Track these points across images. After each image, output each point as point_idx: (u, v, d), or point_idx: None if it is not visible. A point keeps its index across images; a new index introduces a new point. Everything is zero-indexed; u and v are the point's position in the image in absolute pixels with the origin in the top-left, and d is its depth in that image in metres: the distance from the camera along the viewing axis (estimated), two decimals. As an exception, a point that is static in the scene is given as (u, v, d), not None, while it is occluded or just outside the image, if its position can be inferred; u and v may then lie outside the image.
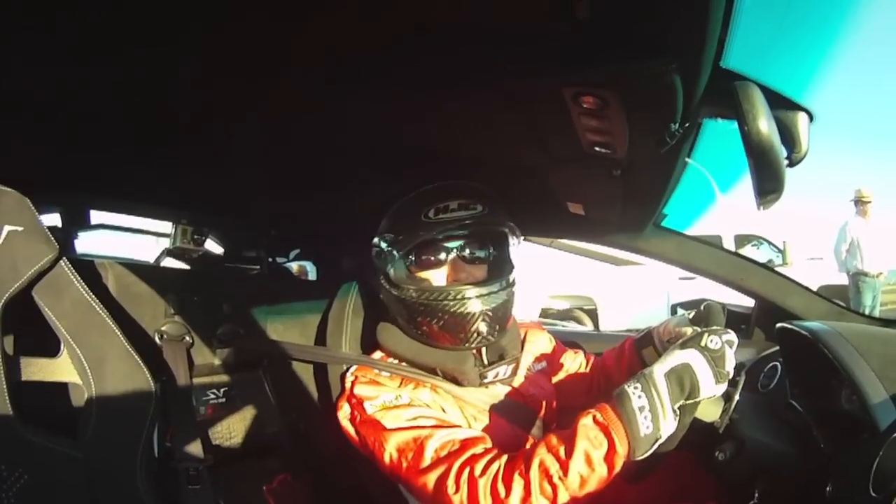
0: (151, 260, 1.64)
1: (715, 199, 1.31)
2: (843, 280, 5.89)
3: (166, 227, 1.61)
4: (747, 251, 6.46)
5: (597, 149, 0.88)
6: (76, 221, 1.41)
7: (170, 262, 1.66)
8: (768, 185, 0.77)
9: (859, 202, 5.77)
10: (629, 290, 5.95)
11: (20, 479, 0.92)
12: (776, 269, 5.86)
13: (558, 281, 6.10)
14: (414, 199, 1.15)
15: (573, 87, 0.70)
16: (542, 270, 5.32)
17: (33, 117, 0.98)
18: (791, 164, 0.80)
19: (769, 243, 6.66)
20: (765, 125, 0.66)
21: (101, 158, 1.17)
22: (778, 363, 1.46)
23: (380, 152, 1.15)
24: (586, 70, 0.66)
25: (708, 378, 0.88)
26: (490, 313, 1.11)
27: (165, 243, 1.63)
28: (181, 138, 1.10)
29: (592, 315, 6.17)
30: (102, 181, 1.30)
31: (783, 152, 0.75)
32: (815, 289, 1.88)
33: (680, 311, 1.90)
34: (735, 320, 1.98)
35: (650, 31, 0.60)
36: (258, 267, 1.65)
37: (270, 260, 1.69)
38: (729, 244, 6.07)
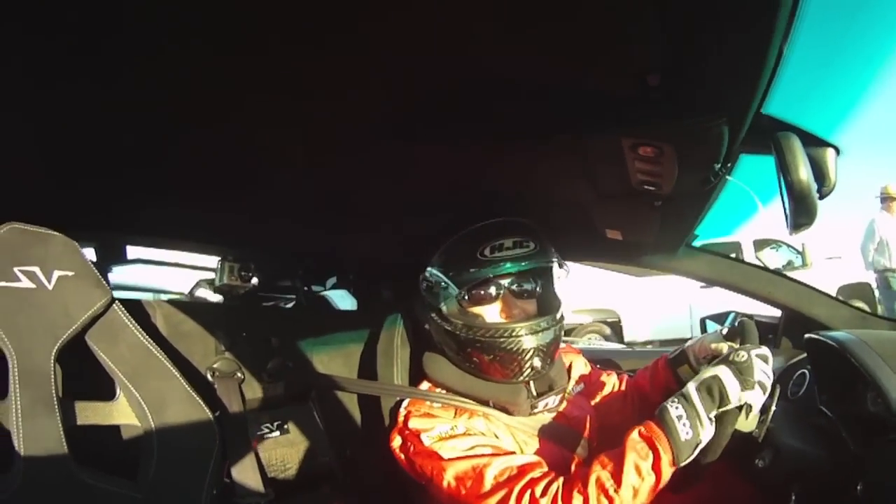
0: (184, 290, 1.73)
1: (756, 210, 1.41)
2: (861, 278, 6.03)
3: (201, 259, 1.70)
4: (766, 254, 6.61)
5: (644, 186, 1.00)
6: (112, 256, 1.48)
7: (203, 293, 1.75)
8: (803, 220, 0.90)
9: (886, 199, 5.89)
10: (651, 301, 6.10)
11: None
12: (796, 270, 5.98)
13: (581, 295, 6.23)
14: (468, 237, 1.23)
15: (632, 140, 0.83)
16: (565, 285, 5.43)
17: (76, 160, 1.04)
18: (821, 197, 0.92)
19: (788, 245, 6.81)
20: (804, 174, 0.79)
21: (139, 198, 1.22)
22: (806, 371, 1.55)
23: (427, 190, 1.25)
24: (647, 127, 0.79)
25: (734, 386, 1.01)
26: (543, 349, 1.21)
27: (199, 275, 1.73)
28: (226, 179, 1.17)
29: (616, 328, 6.30)
30: (139, 219, 1.36)
31: (815, 190, 0.87)
32: (835, 287, 2.00)
33: (710, 325, 2.01)
34: (763, 330, 2.10)
35: (708, 94, 0.72)
36: (294, 297, 1.74)
37: (306, 289, 1.78)
38: (748, 248, 6.21)
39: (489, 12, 0.62)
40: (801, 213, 0.87)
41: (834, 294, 1.91)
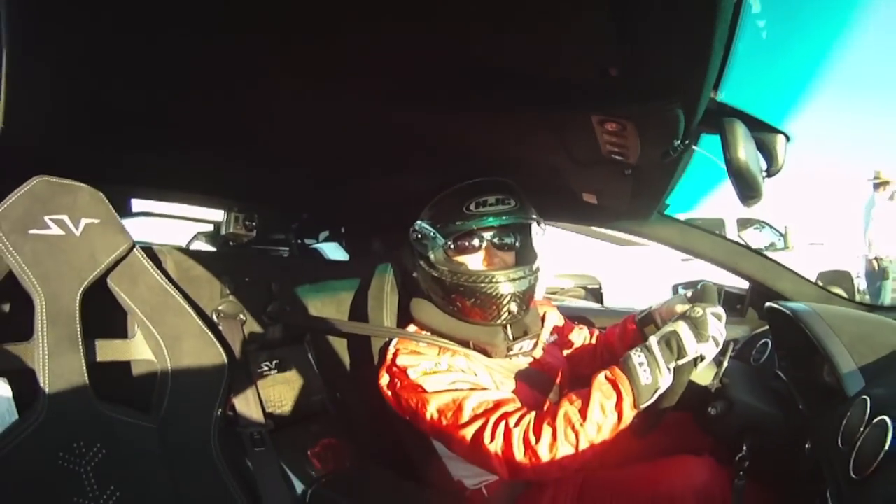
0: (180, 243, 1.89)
1: (724, 179, 1.55)
2: (841, 265, 6.27)
3: (202, 212, 1.85)
4: (749, 234, 6.83)
5: (613, 155, 1.19)
6: (118, 209, 1.62)
7: (199, 246, 1.91)
8: (748, 193, 1.08)
9: (880, 184, 6.15)
10: (633, 270, 6.32)
11: (98, 454, 1.10)
12: (777, 252, 6.19)
13: (564, 260, 6.46)
14: (456, 193, 1.42)
15: (599, 116, 1.01)
16: (549, 250, 5.61)
17: (83, 114, 1.12)
18: (769, 175, 1.10)
19: (771, 227, 7.04)
20: (742, 153, 0.97)
21: (145, 151, 1.34)
22: (769, 339, 1.74)
23: (418, 151, 1.42)
24: (610, 107, 0.97)
25: (690, 339, 1.16)
26: (519, 295, 1.40)
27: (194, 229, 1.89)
28: (232, 134, 1.29)
29: (597, 294, 6.54)
30: (144, 172, 1.49)
31: (760, 169, 1.05)
32: (815, 274, 2.16)
33: (681, 291, 2.22)
34: (732, 300, 2.31)
35: (662, 82, 0.90)
36: (287, 249, 1.91)
37: (299, 242, 1.95)
38: (731, 227, 6.43)
39: (490, 23, 0.80)
40: (743, 186, 1.05)
41: (814, 280, 2.08)
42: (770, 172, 1.10)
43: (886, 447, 0.89)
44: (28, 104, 0.97)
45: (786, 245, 6.43)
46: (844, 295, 2.07)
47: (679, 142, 1.07)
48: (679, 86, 0.90)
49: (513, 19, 0.78)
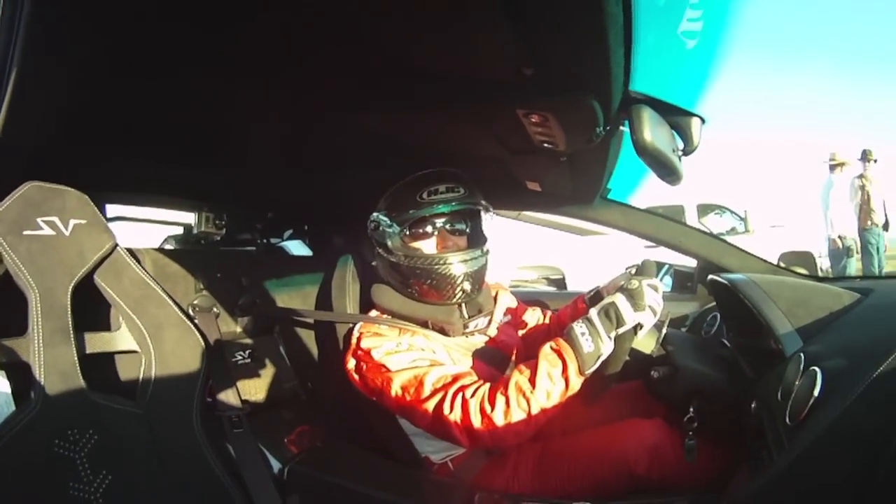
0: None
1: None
2: (803, 246, 6.62)
3: (172, 216, 1.97)
4: (710, 219, 7.07)
5: (544, 144, 1.34)
6: None
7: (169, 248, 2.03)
8: (661, 172, 1.24)
9: (836, 165, 6.45)
10: (594, 258, 6.46)
11: (91, 440, 1.18)
12: (738, 235, 6.41)
13: (527, 252, 6.63)
14: (409, 183, 1.55)
15: (522, 109, 1.17)
16: (512, 243, 5.83)
17: (57, 120, 1.20)
18: (685, 154, 1.25)
19: (731, 212, 7.34)
20: (648, 136, 1.11)
21: (118, 156, 1.43)
22: (718, 313, 1.89)
23: (372, 149, 1.57)
24: (530, 101, 1.13)
25: (627, 309, 1.28)
26: (472, 275, 1.54)
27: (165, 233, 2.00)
28: (204, 145, 1.42)
29: (560, 284, 6.72)
30: (118, 177, 1.58)
31: (673, 149, 1.20)
32: (777, 254, 2.29)
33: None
34: (683, 278, 2.49)
35: (572, 77, 1.05)
36: (254, 248, 2.04)
37: (265, 241, 2.09)
38: (692, 214, 6.64)
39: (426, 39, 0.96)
40: (655, 166, 1.20)
41: (776, 261, 2.22)
42: (686, 151, 1.24)
43: (815, 394, 1.00)
44: (26, 111, 1.06)
45: (746, 228, 6.67)
46: (806, 273, 2.20)
47: (601, 129, 1.20)
48: (588, 82, 1.05)
49: (430, 27, 0.94)
